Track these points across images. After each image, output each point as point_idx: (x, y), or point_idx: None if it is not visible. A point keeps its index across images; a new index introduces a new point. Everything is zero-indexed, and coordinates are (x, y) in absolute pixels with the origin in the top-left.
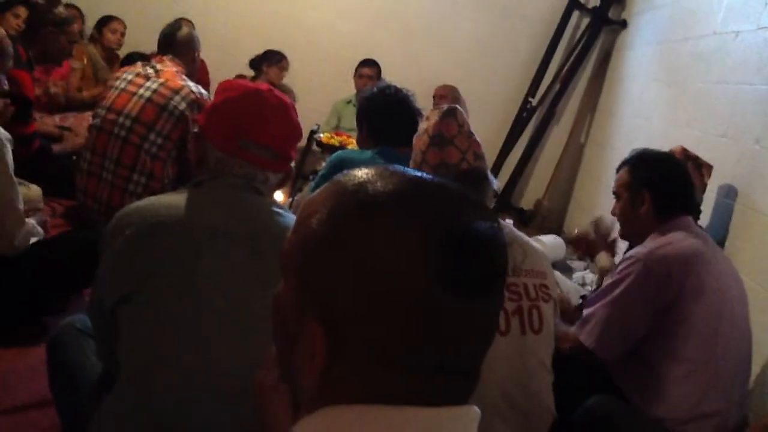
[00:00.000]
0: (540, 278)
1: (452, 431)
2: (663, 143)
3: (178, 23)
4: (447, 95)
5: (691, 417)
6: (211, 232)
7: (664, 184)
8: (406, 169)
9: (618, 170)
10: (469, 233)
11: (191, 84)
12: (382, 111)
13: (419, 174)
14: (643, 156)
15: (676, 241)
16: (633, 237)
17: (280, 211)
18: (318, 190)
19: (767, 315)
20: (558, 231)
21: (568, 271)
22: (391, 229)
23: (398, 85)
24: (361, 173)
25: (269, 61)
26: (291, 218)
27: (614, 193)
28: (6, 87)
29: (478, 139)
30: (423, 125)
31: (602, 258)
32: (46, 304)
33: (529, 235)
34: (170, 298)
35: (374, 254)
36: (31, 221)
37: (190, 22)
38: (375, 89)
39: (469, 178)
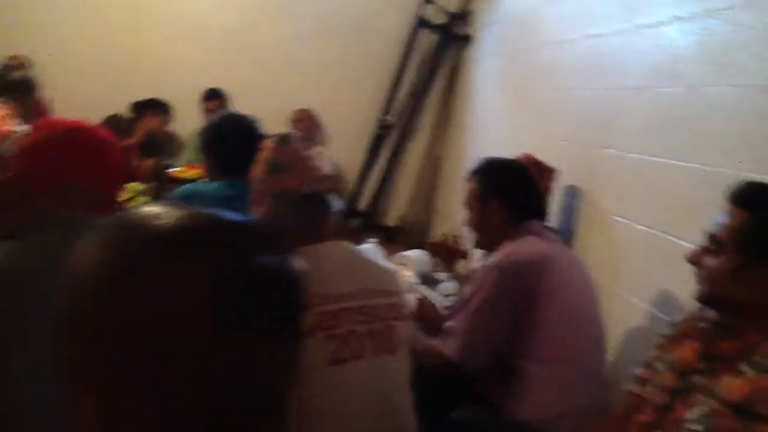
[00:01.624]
0: (392, 297)
1: None
2: (511, 150)
3: (11, 64)
4: (303, 119)
5: (555, 415)
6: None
7: (513, 191)
8: (192, 205)
9: (467, 181)
10: (255, 270)
11: (22, 129)
12: (227, 141)
13: (205, 210)
14: (489, 165)
15: (527, 246)
16: (487, 245)
17: None
18: (90, 236)
19: (614, 307)
20: (423, 245)
21: (433, 283)
22: (171, 270)
23: (244, 113)
24: (141, 211)
25: (155, 109)
26: None
27: (465, 204)
28: None
29: (319, 163)
30: (259, 155)
31: (462, 265)
32: None
33: (396, 251)
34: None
35: (152, 299)
36: None
37: (23, 58)
38: (218, 119)
39: (311, 202)
